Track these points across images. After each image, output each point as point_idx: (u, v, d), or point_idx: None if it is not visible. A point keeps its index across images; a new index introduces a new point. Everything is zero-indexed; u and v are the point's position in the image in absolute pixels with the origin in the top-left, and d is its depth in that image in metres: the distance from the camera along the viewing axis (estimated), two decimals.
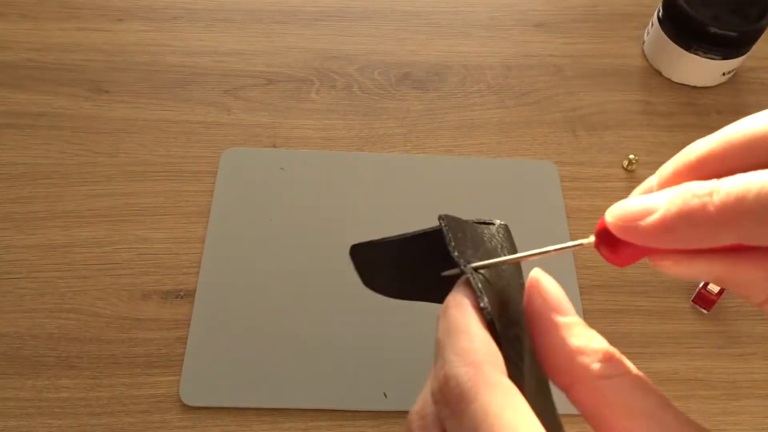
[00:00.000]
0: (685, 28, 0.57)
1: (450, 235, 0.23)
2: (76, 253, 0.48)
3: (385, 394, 0.43)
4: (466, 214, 0.56)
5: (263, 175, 0.52)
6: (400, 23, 0.64)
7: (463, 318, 0.20)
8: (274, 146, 0.54)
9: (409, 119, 0.57)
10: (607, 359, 0.19)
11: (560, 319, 0.20)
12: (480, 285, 0.21)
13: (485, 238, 0.25)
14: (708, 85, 0.61)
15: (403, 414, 0.43)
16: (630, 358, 0.20)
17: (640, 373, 0.19)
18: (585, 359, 0.19)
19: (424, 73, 0.61)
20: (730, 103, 0.60)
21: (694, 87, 0.61)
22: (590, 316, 0.48)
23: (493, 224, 0.27)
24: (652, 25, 0.61)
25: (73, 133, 0.54)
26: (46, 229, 0.49)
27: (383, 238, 0.27)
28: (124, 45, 0.60)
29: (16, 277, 0.47)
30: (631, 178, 0.55)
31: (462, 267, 0.22)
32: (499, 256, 0.24)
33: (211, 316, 0.45)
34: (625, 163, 0.55)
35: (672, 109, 0.60)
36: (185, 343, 0.45)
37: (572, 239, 0.50)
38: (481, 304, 0.20)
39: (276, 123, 0.56)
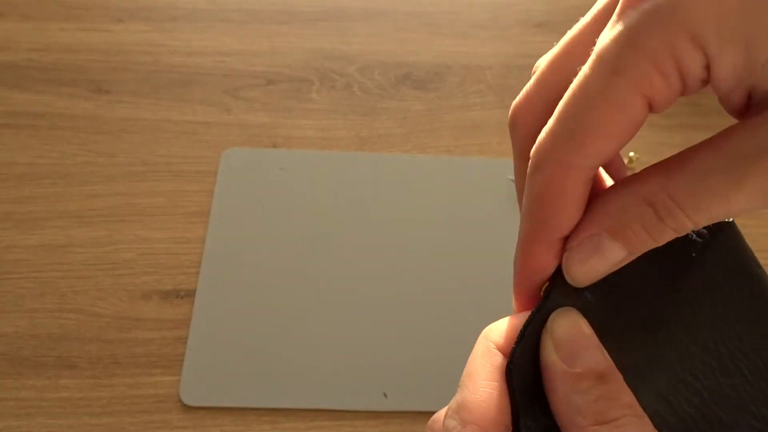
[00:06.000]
0: None
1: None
2: (76, 253, 0.48)
3: (385, 394, 0.43)
4: (466, 213, 0.56)
5: (263, 175, 0.52)
6: (400, 23, 0.64)
7: (477, 365, 0.19)
8: (274, 146, 0.54)
9: (409, 119, 0.57)
10: (602, 421, 0.17)
11: (565, 369, 0.18)
12: (518, 352, 0.18)
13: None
14: None
15: (403, 414, 0.43)
16: None
17: (641, 420, 0.18)
18: (581, 420, 0.18)
19: (424, 73, 0.61)
20: None
21: None
22: None
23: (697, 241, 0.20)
24: None
25: (74, 133, 0.54)
26: (46, 229, 0.49)
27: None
28: (124, 45, 0.60)
29: (16, 277, 0.47)
30: None
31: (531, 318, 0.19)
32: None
33: (211, 316, 0.45)
34: (626, 161, 0.55)
35: (672, 109, 0.60)
36: (185, 343, 0.44)
37: None
38: (509, 366, 0.19)
39: (276, 123, 0.56)
